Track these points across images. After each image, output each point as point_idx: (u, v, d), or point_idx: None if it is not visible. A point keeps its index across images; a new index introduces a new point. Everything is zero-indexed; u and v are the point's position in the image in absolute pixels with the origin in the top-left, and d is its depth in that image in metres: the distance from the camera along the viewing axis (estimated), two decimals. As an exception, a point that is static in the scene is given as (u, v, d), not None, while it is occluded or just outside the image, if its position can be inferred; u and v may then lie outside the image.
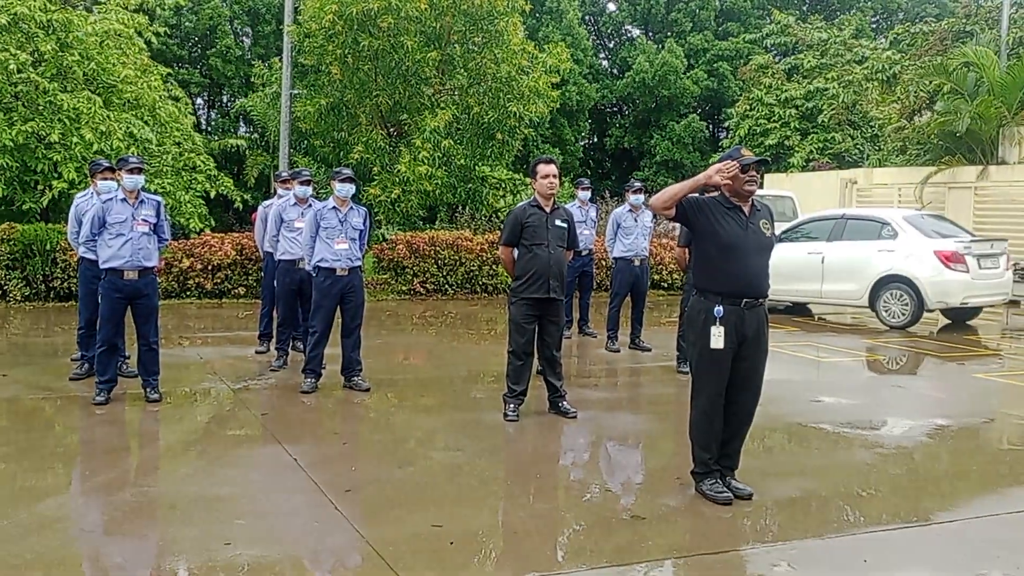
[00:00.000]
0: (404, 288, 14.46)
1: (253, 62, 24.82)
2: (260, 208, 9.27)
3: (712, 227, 4.67)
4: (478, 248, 14.82)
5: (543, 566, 3.93)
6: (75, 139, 12.47)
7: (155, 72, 15.30)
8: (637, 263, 9.51)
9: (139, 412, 6.63)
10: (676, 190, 4.63)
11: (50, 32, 12.80)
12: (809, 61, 26.19)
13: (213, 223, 16.12)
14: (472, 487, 5.03)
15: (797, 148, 24.71)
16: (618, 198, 18.43)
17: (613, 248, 9.63)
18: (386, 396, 7.34)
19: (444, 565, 3.90)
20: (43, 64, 12.89)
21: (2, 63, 12.05)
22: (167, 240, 7.04)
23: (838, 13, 31.48)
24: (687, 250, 7.23)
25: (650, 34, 33.74)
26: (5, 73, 12.16)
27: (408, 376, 8.51)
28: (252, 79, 23.77)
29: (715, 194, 4.77)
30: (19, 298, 12.21)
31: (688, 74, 30.60)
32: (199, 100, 28.38)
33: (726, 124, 29.68)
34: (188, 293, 13.17)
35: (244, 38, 28.79)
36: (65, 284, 12.28)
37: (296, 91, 19.14)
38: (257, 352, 8.90)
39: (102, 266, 6.64)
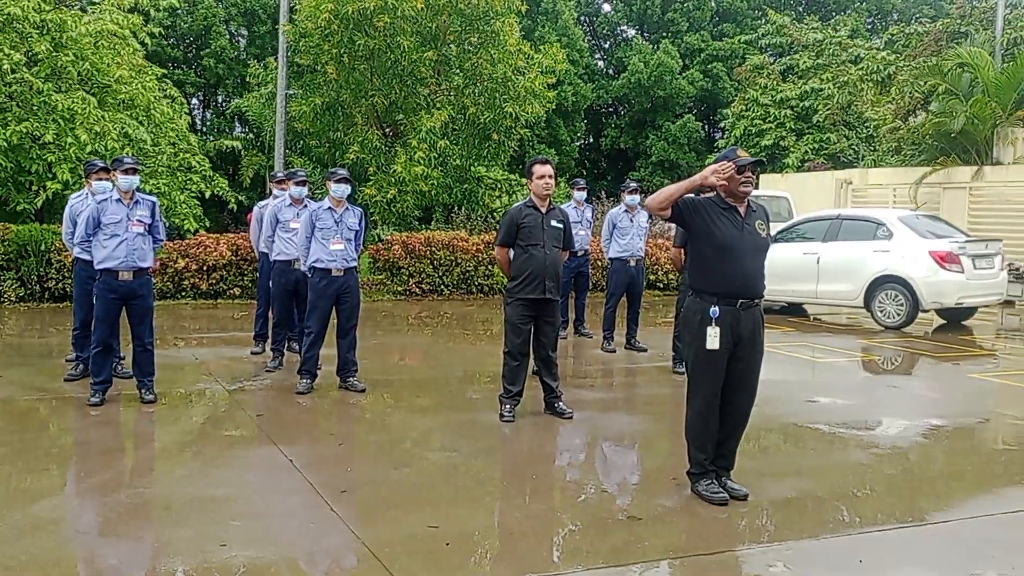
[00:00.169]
0: (400, 289, 14.45)
1: (249, 62, 24.78)
2: (255, 209, 9.26)
3: (708, 228, 4.67)
4: (474, 248, 14.82)
5: (539, 567, 3.92)
6: (69, 139, 12.44)
7: (150, 73, 15.27)
8: (633, 263, 9.52)
9: (134, 413, 6.61)
10: (672, 191, 4.64)
11: (44, 32, 12.76)
12: (804, 62, 26.23)
13: (208, 224, 16.08)
14: (468, 488, 5.03)
15: (792, 149, 24.75)
16: (614, 198, 18.46)
17: (609, 248, 9.64)
18: (382, 397, 7.34)
19: (440, 566, 3.89)
20: (37, 64, 12.85)
21: (-4, 63, 12.03)
22: (162, 241, 7.03)
23: (834, 14, 31.54)
24: (683, 251, 7.26)
25: (646, 34, 33.76)
26: (-1, 73, 12.14)
27: (404, 377, 8.50)
28: (248, 79, 23.73)
29: (711, 195, 4.77)
30: (13, 299, 12.19)
31: (684, 74, 30.63)
32: (194, 100, 28.32)
33: (722, 124, 29.69)
34: (183, 294, 13.14)
35: (240, 38, 28.75)
36: (60, 285, 12.25)
37: (292, 91, 19.11)
38: (253, 353, 8.88)
39: (97, 267, 6.62)
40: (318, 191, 15.09)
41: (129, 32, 14.19)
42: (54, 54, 12.69)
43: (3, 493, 4.73)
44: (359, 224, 7.39)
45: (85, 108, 12.63)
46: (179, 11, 23.83)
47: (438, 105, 16.83)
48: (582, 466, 5.85)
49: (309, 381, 7.27)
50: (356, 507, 4.63)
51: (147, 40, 15.25)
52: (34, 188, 13.28)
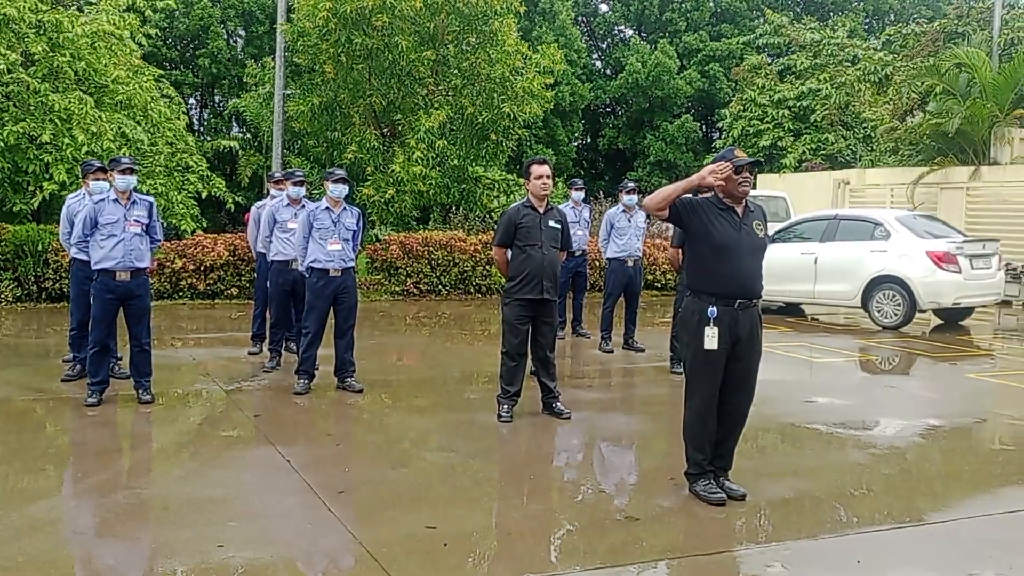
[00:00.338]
0: (397, 289, 14.44)
1: (246, 63, 24.75)
2: (253, 209, 9.25)
3: (705, 228, 4.67)
4: (471, 249, 14.81)
5: (537, 567, 3.92)
6: (66, 140, 12.42)
7: (147, 73, 15.24)
8: (631, 264, 9.53)
9: (131, 414, 6.60)
10: (670, 191, 4.64)
11: (41, 33, 12.74)
12: (802, 62, 26.25)
13: (205, 224, 16.06)
14: (466, 488, 5.03)
15: (790, 149, 24.77)
16: (612, 198, 18.45)
17: (607, 249, 9.64)
18: (379, 397, 7.33)
19: (438, 566, 3.89)
20: (34, 64, 12.83)
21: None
22: (159, 241, 7.01)
23: (831, 14, 31.56)
24: (681, 251, 7.26)
25: (643, 34, 33.77)
26: (-5, 73, 12.12)
27: (401, 377, 8.49)
28: (245, 79, 23.71)
29: (708, 195, 4.77)
30: (10, 299, 12.17)
31: (681, 75, 30.63)
32: (191, 100, 28.29)
33: (719, 125, 29.71)
34: (180, 294, 13.13)
35: (237, 39, 28.72)
36: (57, 285, 12.24)
37: (289, 91, 19.09)
38: (250, 353, 8.87)
39: (94, 267, 6.61)
40: (316, 191, 15.08)
41: (126, 33, 14.17)
42: (51, 54, 12.68)
43: (0, 494, 4.72)
44: (357, 224, 7.39)
45: (82, 108, 12.61)
46: (176, 12, 23.80)
47: (436, 105, 16.82)
48: (580, 466, 5.85)
49: (307, 381, 7.26)
50: (354, 507, 4.62)
51: (143, 41, 15.23)
52: (31, 189, 13.26)
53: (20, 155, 12.68)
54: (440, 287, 14.66)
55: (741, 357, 4.71)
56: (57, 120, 12.49)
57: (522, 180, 6.88)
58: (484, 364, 8.71)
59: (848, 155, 23.64)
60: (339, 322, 7.34)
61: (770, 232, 5.66)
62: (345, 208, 7.34)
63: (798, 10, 33.65)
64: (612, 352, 9.46)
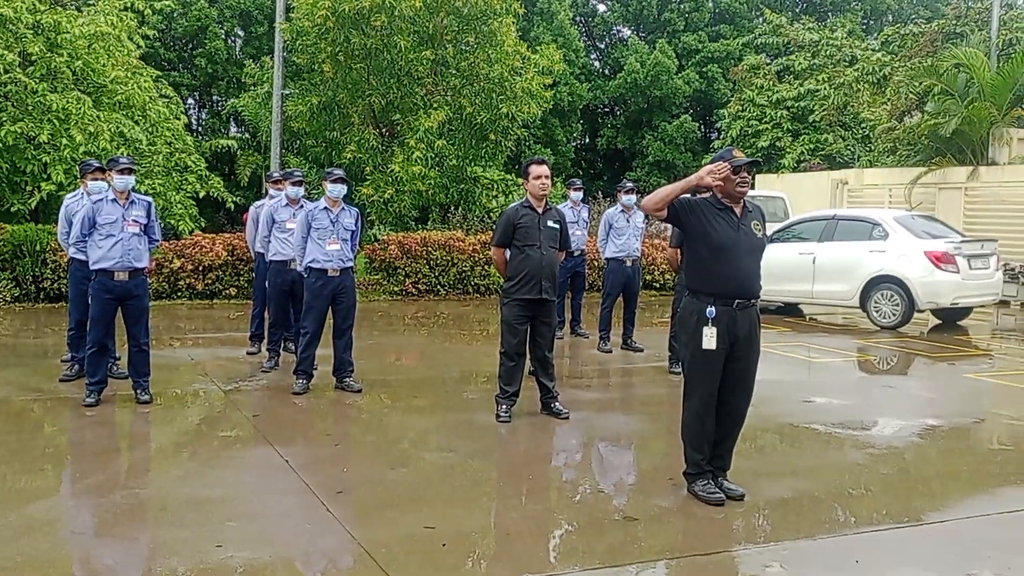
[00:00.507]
0: (396, 289, 14.44)
1: (244, 63, 24.74)
2: (252, 209, 9.25)
3: (704, 228, 4.67)
4: (470, 249, 14.81)
5: (536, 567, 3.92)
6: (64, 140, 12.41)
7: (144, 74, 15.23)
8: (629, 264, 9.53)
9: (129, 414, 6.60)
10: (668, 191, 4.64)
11: (38, 33, 12.73)
12: (800, 63, 26.27)
13: (204, 223, 16.05)
14: (465, 488, 5.03)
15: (788, 149, 24.78)
16: (610, 198, 18.44)
17: (605, 249, 9.64)
18: (378, 397, 7.33)
19: (437, 567, 3.89)
20: (32, 65, 12.82)
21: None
22: (158, 241, 7.01)
23: (829, 15, 31.57)
24: (679, 251, 7.26)
25: (641, 35, 33.77)
26: (-7, 73, 12.12)
27: (400, 377, 8.49)
28: (243, 79, 23.69)
29: (707, 195, 4.78)
30: (9, 299, 12.15)
31: (680, 75, 30.64)
32: (189, 101, 28.29)
33: (718, 125, 29.73)
34: (179, 294, 13.12)
35: (235, 39, 28.70)
36: (55, 285, 12.23)
37: (288, 91, 19.08)
38: (248, 353, 8.86)
39: (92, 267, 6.60)
40: (314, 191, 15.08)
41: (124, 34, 14.16)
42: (48, 54, 12.66)
43: (-2, 494, 4.72)
44: (355, 224, 7.39)
45: (80, 108, 12.60)
46: (173, 13, 23.78)
47: (435, 105, 16.82)
48: (578, 466, 5.85)
49: (305, 381, 7.26)
50: (352, 508, 4.62)
51: (141, 42, 15.23)
52: (29, 189, 13.25)
53: (18, 155, 12.68)
54: (439, 287, 14.66)
55: (739, 357, 4.71)
56: (55, 120, 12.48)
57: (520, 180, 6.87)
58: (483, 364, 8.70)
59: (847, 156, 23.66)
60: (337, 322, 7.34)
61: (768, 232, 5.66)
62: (343, 208, 7.34)
63: (797, 11, 33.67)
64: (611, 352, 9.46)
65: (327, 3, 15.84)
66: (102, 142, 12.49)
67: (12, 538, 4.08)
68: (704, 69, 31.26)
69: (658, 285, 15.95)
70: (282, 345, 8.49)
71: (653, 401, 7.65)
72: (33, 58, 12.71)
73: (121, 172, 6.56)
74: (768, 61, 28.34)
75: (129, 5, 14.61)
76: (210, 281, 13.22)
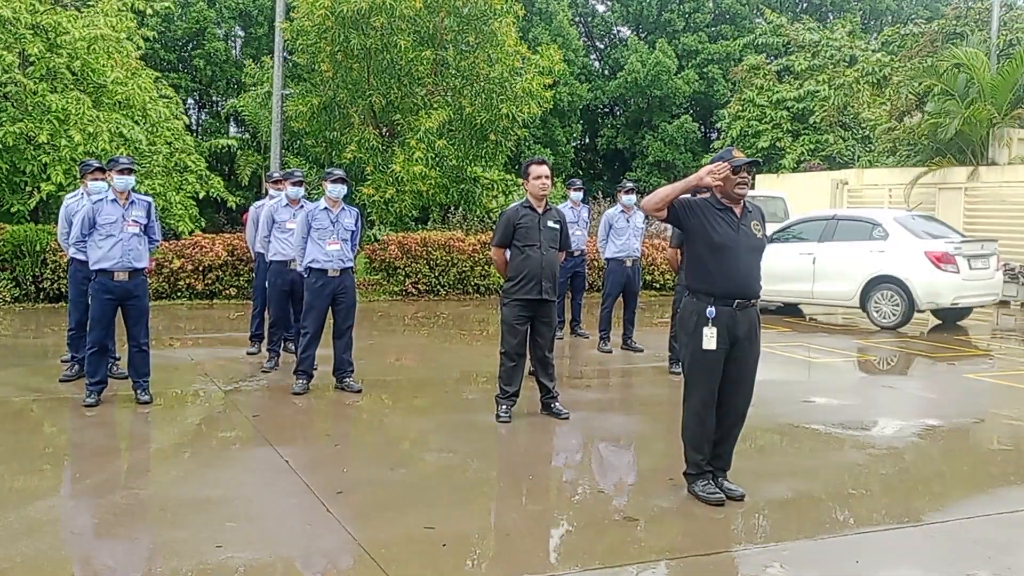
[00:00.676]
0: (396, 289, 14.44)
1: (244, 63, 24.74)
2: (252, 209, 9.25)
3: (704, 228, 4.67)
4: (470, 249, 14.81)
5: (536, 568, 3.92)
6: (63, 140, 12.41)
7: (143, 75, 15.23)
8: (629, 264, 9.53)
9: (129, 414, 6.60)
10: (668, 192, 4.64)
11: (38, 33, 12.72)
12: (800, 63, 26.27)
13: (204, 224, 16.04)
14: (465, 489, 5.03)
15: (788, 150, 24.78)
16: (610, 199, 18.45)
17: (605, 249, 9.64)
18: (378, 397, 7.33)
19: (437, 567, 3.89)
20: (32, 65, 12.82)
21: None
22: (158, 241, 7.01)
23: (830, 15, 31.57)
24: (679, 251, 7.26)
25: (641, 35, 33.78)
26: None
27: (400, 377, 8.49)
28: (243, 79, 23.69)
29: (707, 195, 4.77)
30: (8, 299, 12.15)
31: (679, 75, 30.65)
32: (189, 101, 28.30)
33: (718, 125, 29.73)
34: (179, 294, 13.12)
35: (235, 39, 28.71)
36: (55, 285, 12.23)
37: (288, 91, 19.08)
38: (248, 353, 8.86)
39: (92, 267, 6.60)
40: (314, 191, 15.09)
41: (123, 35, 14.16)
42: (47, 55, 12.66)
43: (-2, 494, 4.72)
44: (355, 224, 7.39)
45: (79, 108, 12.59)
46: (172, 15, 23.78)
47: (435, 105, 16.82)
48: (578, 467, 5.85)
49: (305, 382, 7.26)
50: (352, 508, 4.62)
51: (141, 43, 15.23)
52: (28, 189, 13.25)
53: (18, 156, 12.67)
54: (439, 287, 14.66)
55: (739, 357, 4.71)
56: (55, 120, 12.48)
57: (520, 180, 6.87)
58: (483, 364, 8.70)
59: (847, 156, 23.66)
60: (338, 322, 7.33)
61: (768, 232, 5.66)
62: (343, 208, 7.34)
63: (797, 11, 33.68)
64: (611, 352, 9.46)
65: (326, 4, 15.84)
66: (101, 143, 12.48)
67: (12, 538, 4.08)
68: (704, 70, 31.27)
69: (658, 285, 15.95)
70: (282, 345, 8.49)
71: (653, 401, 7.64)
72: (32, 59, 12.70)
73: (121, 172, 6.56)
74: (768, 61, 28.36)
75: (129, 5, 14.61)
76: (210, 281, 13.22)
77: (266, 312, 8.66)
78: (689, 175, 4.77)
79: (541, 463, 5.84)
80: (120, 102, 13.93)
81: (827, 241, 12.33)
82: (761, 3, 32.10)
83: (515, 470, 5.59)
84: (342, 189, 7.29)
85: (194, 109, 29.50)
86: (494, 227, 7.00)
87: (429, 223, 18.83)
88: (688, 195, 4.72)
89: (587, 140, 34.08)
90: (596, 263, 13.56)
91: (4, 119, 12.51)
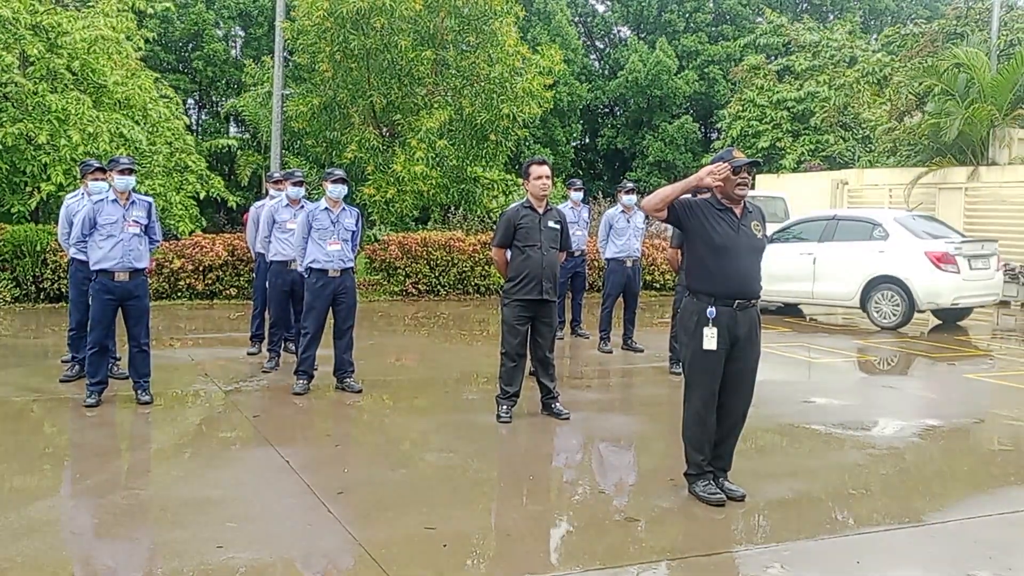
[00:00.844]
0: (396, 289, 14.44)
1: (244, 64, 24.74)
2: (252, 209, 9.26)
3: (704, 229, 4.67)
4: (470, 249, 14.81)
5: (536, 568, 3.92)
6: (63, 141, 12.40)
7: (142, 76, 15.22)
8: (629, 264, 9.53)
9: (130, 414, 6.60)
10: (668, 192, 4.64)
11: (38, 34, 12.72)
12: (800, 63, 26.27)
13: (205, 223, 16.03)
14: (465, 489, 5.02)
15: (789, 150, 24.78)
16: (610, 199, 18.45)
17: (605, 249, 9.64)
18: (379, 398, 7.33)
19: (437, 567, 3.89)
20: (32, 66, 12.81)
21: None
22: (158, 241, 7.01)
23: (830, 15, 31.56)
24: (679, 251, 7.26)
25: (642, 35, 33.78)
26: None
27: (401, 377, 8.49)
28: (243, 79, 23.68)
29: (707, 196, 4.77)
30: (8, 299, 12.15)
31: (680, 75, 30.64)
32: (189, 101, 28.31)
33: (718, 126, 29.74)
34: (179, 294, 13.12)
35: (235, 40, 28.71)
36: (55, 285, 12.23)
37: (288, 91, 19.07)
38: (249, 353, 8.86)
39: (93, 267, 6.60)
40: (315, 191, 15.09)
41: (123, 36, 14.15)
42: (47, 55, 12.65)
43: (-2, 495, 4.72)
44: (356, 225, 7.39)
45: (79, 108, 12.59)
46: (171, 16, 23.77)
47: (436, 105, 16.82)
48: (579, 467, 5.85)
49: (306, 382, 7.26)
50: (353, 508, 4.62)
51: (141, 44, 15.22)
52: (28, 189, 13.24)
53: (18, 156, 12.67)
54: (439, 287, 14.66)
55: (740, 358, 4.71)
56: (54, 120, 12.48)
57: (521, 180, 6.87)
58: (483, 365, 8.70)
59: (847, 156, 23.66)
60: (338, 322, 7.33)
61: (769, 233, 5.66)
62: (344, 208, 7.34)
63: (798, 11, 33.67)
64: (611, 352, 9.46)
65: (324, 5, 15.84)
66: (102, 144, 12.47)
67: (12, 539, 4.08)
68: (705, 71, 31.26)
69: (658, 285, 15.95)
70: (282, 345, 8.49)
71: (653, 402, 7.64)
72: (32, 59, 12.69)
73: (122, 172, 6.56)
74: (768, 61, 28.37)
75: (130, 5, 14.60)
76: (210, 281, 13.22)
77: (266, 312, 8.66)
78: (689, 175, 4.78)
79: (542, 463, 5.84)
80: (120, 102, 13.92)
81: (827, 241, 12.33)
82: (762, 3, 32.10)
83: (516, 470, 5.59)
84: (343, 189, 7.29)
85: (194, 109, 29.50)
86: (494, 227, 7.00)
87: (430, 223, 18.82)
88: (688, 195, 4.72)
89: (587, 140, 34.07)
90: (596, 263, 13.56)
91: (4, 119, 12.50)
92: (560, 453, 6.07)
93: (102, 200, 6.62)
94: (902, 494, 5.06)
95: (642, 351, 9.47)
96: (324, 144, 18.51)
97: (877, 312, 11.77)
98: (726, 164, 4.60)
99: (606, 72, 33.72)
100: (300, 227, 7.33)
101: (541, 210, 6.41)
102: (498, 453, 5.94)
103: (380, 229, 16.80)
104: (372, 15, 15.77)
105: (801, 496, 4.96)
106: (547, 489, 5.24)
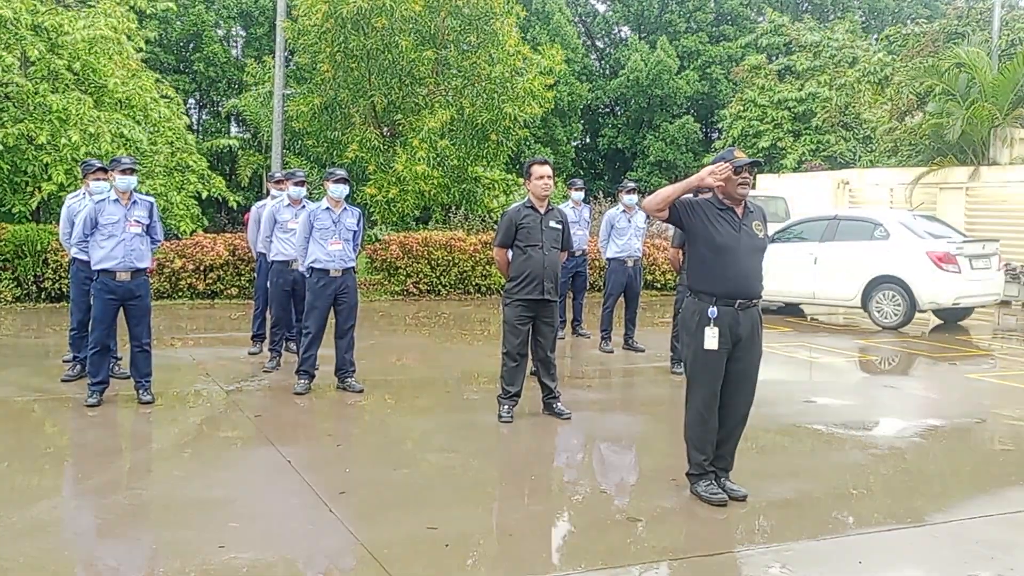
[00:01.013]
0: (397, 289, 14.44)
1: (245, 64, 24.74)
2: (253, 209, 9.26)
3: (705, 229, 4.68)
4: (471, 248, 14.82)
5: (538, 568, 3.92)
6: (64, 141, 12.41)
7: (142, 76, 15.21)
8: (630, 264, 9.53)
9: (131, 414, 6.60)
10: (669, 192, 4.64)
11: (38, 34, 12.72)
12: (801, 63, 26.27)
13: (206, 223, 16.02)
14: (467, 489, 5.02)
15: (790, 150, 24.78)
16: (611, 199, 18.46)
17: (607, 249, 9.64)
18: (380, 398, 7.33)
19: (439, 567, 3.89)
20: (32, 66, 12.81)
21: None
22: (159, 241, 7.01)
23: (830, 16, 31.55)
24: (681, 251, 7.26)
25: (642, 35, 33.78)
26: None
27: (402, 377, 8.49)
28: (244, 79, 23.69)
29: (708, 196, 4.78)
30: (10, 299, 12.16)
31: (681, 75, 30.64)
32: (190, 101, 28.31)
33: (719, 125, 29.74)
34: (180, 294, 13.13)
35: (236, 40, 28.72)
36: (56, 285, 12.24)
37: (289, 91, 19.07)
38: (250, 353, 8.86)
39: (94, 267, 6.61)
40: (316, 191, 15.08)
41: (124, 36, 14.15)
42: (48, 56, 12.65)
43: (0, 494, 4.72)
44: (357, 224, 7.39)
45: (80, 108, 12.59)
46: (171, 16, 23.77)
47: (437, 105, 16.82)
48: (580, 467, 5.85)
49: (307, 382, 7.26)
50: (355, 508, 4.62)
51: (142, 44, 15.22)
52: (29, 189, 13.24)
53: (19, 156, 12.67)
54: (440, 287, 14.66)
55: (741, 357, 4.71)
56: (55, 121, 12.48)
57: (522, 180, 6.87)
58: (484, 364, 8.71)
59: (848, 156, 23.65)
60: (339, 322, 7.33)
61: (770, 233, 5.66)
62: (345, 208, 7.34)
63: (799, 11, 33.67)
64: (612, 352, 9.46)
65: (323, 7, 15.84)
66: (103, 144, 12.47)
67: (14, 539, 4.09)
68: (706, 71, 31.26)
69: (659, 285, 15.96)
70: (284, 345, 8.49)
71: (655, 401, 7.64)
72: (33, 60, 12.69)
73: (123, 172, 6.56)
74: (769, 61, 28.37)
75: (132, 5, 14.60)
76: (211, 281, 13.23)
77: (267, 312, 8.67)
78: (690, 175, 4.77)
79: (543, 463, 5.84)
80: (121, 102, 13.92)
81: (828, 241, 12.33)
82: (763, 3, 32.09)
83: (517, 470, 5.59)
84: (344, 189, 7.29)
85: (195, 109, 29.50)
86: (495, 227, 7.00)
87: (431, 223, 18.83)
88: (690, 195, 4.72)
89: (588, 140, 34.08)
90: (597, 263, 13.57)
91: (5, 119, 12.50)
92: (561, 453, 6.07)
93: (104, 200, 6.63)
94: (904, 494, 5.05)
95: (643, 351, 9.47)
96: (325, 144, 18.51)
97: (878, 312, 11.77)
98: (727, 164, 4.60)
99: (607, 72, 33.73)
100: (302, 227, 7.33)
101: (542, 210, 6.41)
102: (499, 453, 5.95)
103: (381, 229, 16.81)
104: (373, 15, 15.77)
105: (803, 496, 4.96)
106: (549, 489, 5.24)
